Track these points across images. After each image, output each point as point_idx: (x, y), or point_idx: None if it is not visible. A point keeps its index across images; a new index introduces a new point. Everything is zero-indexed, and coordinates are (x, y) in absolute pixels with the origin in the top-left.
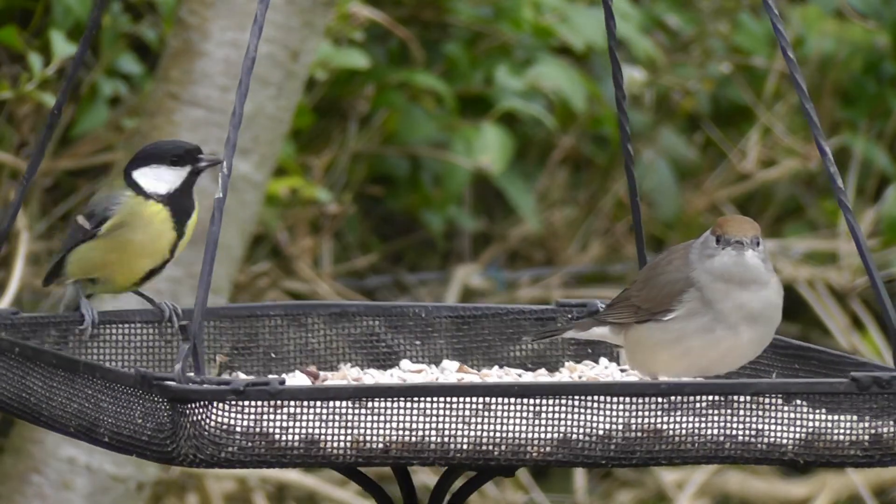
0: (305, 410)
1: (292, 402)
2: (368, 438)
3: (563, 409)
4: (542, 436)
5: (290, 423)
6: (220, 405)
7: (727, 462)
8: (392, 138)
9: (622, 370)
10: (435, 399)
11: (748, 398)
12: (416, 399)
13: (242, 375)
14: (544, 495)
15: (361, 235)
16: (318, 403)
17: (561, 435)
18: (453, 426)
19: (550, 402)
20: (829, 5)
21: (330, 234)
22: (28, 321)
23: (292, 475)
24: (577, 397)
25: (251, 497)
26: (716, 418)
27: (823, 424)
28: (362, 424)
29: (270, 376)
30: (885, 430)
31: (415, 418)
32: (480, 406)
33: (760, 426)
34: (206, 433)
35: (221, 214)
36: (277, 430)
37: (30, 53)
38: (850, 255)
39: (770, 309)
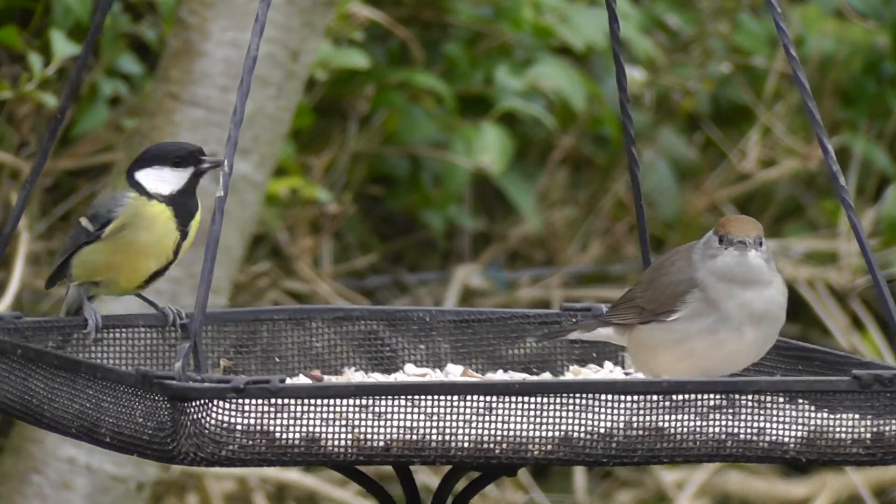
0: (306, 409)
1: (293, 403)
2: (369, 437)
3: (565, 407)
4: (544, 434)
5: (291, 422)
6: (221, 403)
7: (729, 460)
8: (392, 138)
9: (626, 374)
10: (436, 397)
11: (751, 400)
12: (416, 397)
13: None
14: (544, 495)
15: (361, 235)
16: (319, 402)
17: (562, 433)
18: (454, 424)
19: (551, 400)
20: (829, 5)
21: (330, 234)
22: (31, 325)
23: (292, 475)
24: (578, 395)
25: (251, 497)
26: (718, 417)
27: (825, 423)
28: (363, 423)
29: (271, 375)
30: (888, 428)
31: (416, 416)
32: (481, 404)
33: (762, 424)
34: (206, 431)
35: (223, 213)
36: (278, 429)
37: (30, 53)
38: (850, 255)
39: (774, 308)
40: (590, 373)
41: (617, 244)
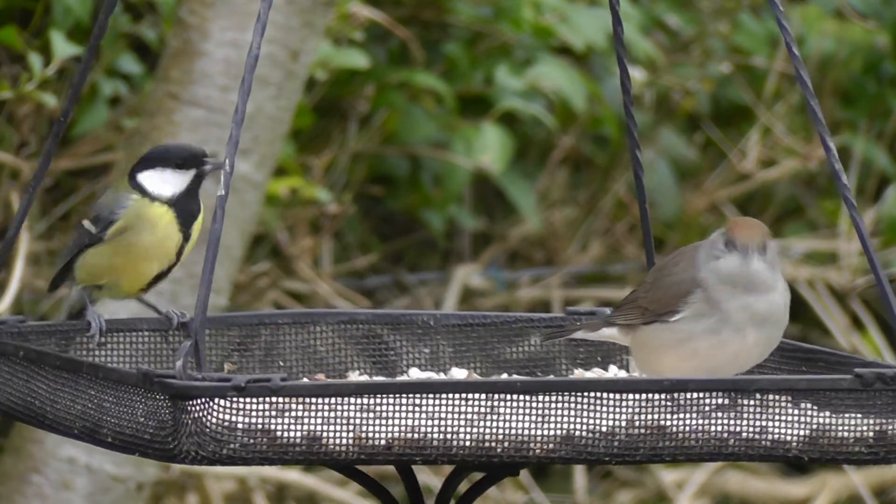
0: (307, 408)
1: (295, 402)
2: (371, 435)
3: (567, 405)
4: (546, 432)
5: (293, 420)
6: (222, 402)
7: (731, 459)
8: (392, 138)
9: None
10: (437, 395)
11: (755, 402)
12: (418, 395)
13: None
14: (544, 495)
15: (361, 235)
16: (321, 401)
17: (564, 432)
18: (456, 423)
19: (553, 398)
20: (829, 5)
21: (330, 234)
22: (35, 329)
23: (292, 475)
24: (579, 394)
25: (251, 497)
26: (720, 415)
27: (828, 421)
28: (364, 421)
29: (272, 373)
30: (890, 426)
31: (417, 415)
32: (483, 403)
33: (765, 423)
34: (207, 430)
35: (224, 212)
36: (279, 427)
37: (30, 53)
38: (850, 255)
39: (776, 312)
40: (594, 377)
41: (617, 244)
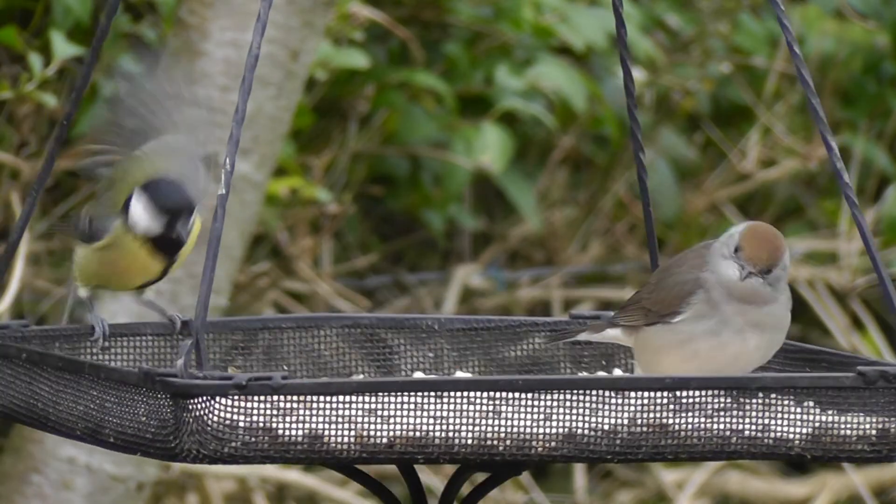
0: (309, 406)
1: (296, 401)
2: (372, 433)
3: (569, 403)
4: (548, 431)
5: (294, 419)
6: (223, 400)
7: (734, 457)
8: (392, 138)
9: None
10: (439, 393)
11: (758, 401)
12: (419, 394)
13: None
14: (544, 495)
15: (361, 235)
16: (322, 399)
17: (566, 430)
18: (458, 421)
19: (555, 396)
20: (829, 5)
21: (330, 234)
22: (38, 333)
23: (292, 475)
24: (581, 392)
25: (251, 497)
26: (723, 413)
27: (830, 419)
28: (366, 419)
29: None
30: (893, 424)
31: (418, 413)
32: (485, 400)
33: (767, 421)
34: (208, 428)
35: (224, 211)
36: (281, 426)
37: (30, 53)
38: (850, 255)
39: (775, 320)
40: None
41: (617, 244)
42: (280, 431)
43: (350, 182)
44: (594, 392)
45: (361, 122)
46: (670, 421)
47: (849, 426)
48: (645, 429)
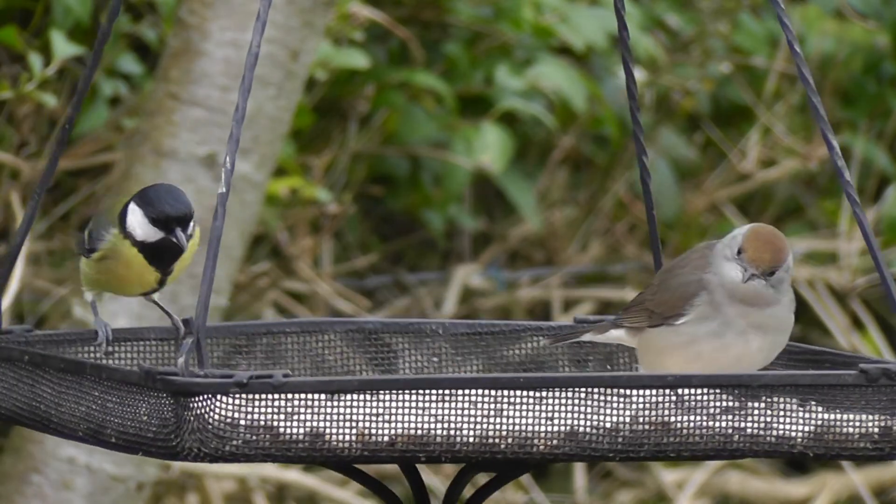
0: (310, 404)
1: (297, 397)
2: (374, 431)
3: (570, 401)
4: (549, 429)
5: (295, 417)
6: (224, 398)
7: (736, 455)
8: (392, 138)
9: None
10: (440, 391)
11: (762, 403)
12: (421, 391)
13: None
14: (544, 495)
15: (361, 235)
16: (324, 397)
17: (568, 428)
18: (459, 419)
19: (557, 394)
20: (829, 5)
21: (330, 234)
22: (42, 338)
23: (292, 474)
24: (583, 390)
25: (251, 497)
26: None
27: (833, 417)
28: (367, 417)
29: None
30: (895, 422)
31: (420, 411)
32: (487, 398)
33: (770, 419)
34: (210, 427)
35: (224, 210)
36: (282, 424)
37: (30, 53)
38: (850, 255)
39: (777, 322)
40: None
41: (617, 244)
42: (281, 429)
43: (350, 182)
44: (596, 390)
45: (361, 122)
46: (672, 419)
47: (851, 424)
48: (647, 427)
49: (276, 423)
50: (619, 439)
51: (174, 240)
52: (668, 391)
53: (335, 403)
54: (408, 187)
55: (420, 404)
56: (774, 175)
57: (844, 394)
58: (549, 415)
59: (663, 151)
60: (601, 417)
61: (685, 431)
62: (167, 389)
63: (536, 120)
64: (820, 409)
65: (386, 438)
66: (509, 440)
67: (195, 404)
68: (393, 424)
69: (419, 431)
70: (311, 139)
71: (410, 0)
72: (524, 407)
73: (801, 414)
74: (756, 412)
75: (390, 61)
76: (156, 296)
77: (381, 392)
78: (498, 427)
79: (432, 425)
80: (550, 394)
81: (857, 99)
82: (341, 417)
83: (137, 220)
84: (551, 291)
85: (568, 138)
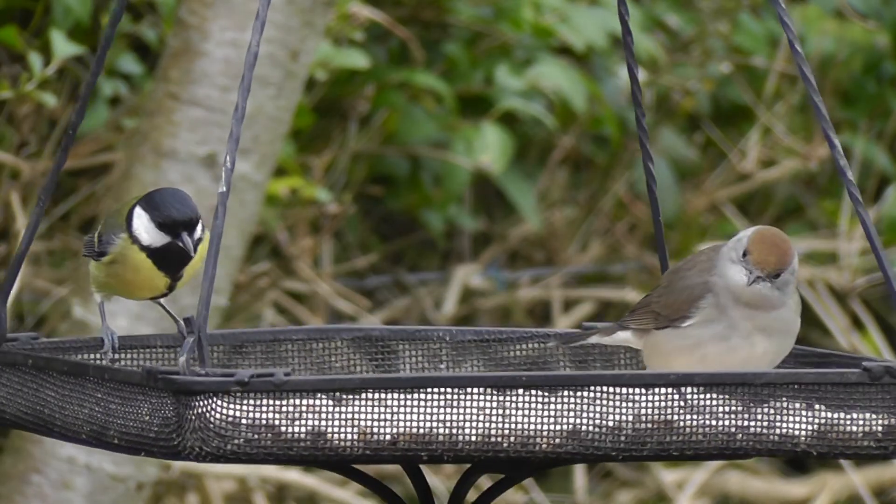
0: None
1: (298, 396)
2: (376, 430)
3: (573, 400)
4: (552, 427)
5: (297, 416)
6: (225, 397)
7: (739, 455)
8: (392, 138)
9: None
10: (442, 390)
11: (768, 408)
12: (423, 390)
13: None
14: (544, 495)
15: (361, 235)
16: (325, 396)
17: (570, 426)
18: (461, 418)
19: (559, 393)
20: (829, 5)
21: (330, 234)
22: (47, 346)
23: (293, 474)
24: (586, 388)
25: (251, 497)
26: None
27: (836, 415)
28: (369, 416)
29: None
30: None
31: (422, 409)
32: (489, 397)
33: (773, 417)
34: (211, 426)
35: (225, 209)
36: (284, 423)
37: (30, 53)
38: (850, 255)
39: (783, 324)
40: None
41: (617, 244)
42: (283, 429)
43: (350, 182)
44: (598, 388)
45: (361, 122)
46: (675, 417)
47: (855, 422)
48: (650, 426)
49: (277, 422)
50: (622, 438)
51: (181, 244)
52: (670, 390)
53: (337, 404)
54: (408, 187)
55: (422, 403)
56: (774, 175)
57: (848, 392)
58: (552, 413)
59: (663, 151)
60: (604, 416)
61: (688, 430)
62: (168, 388)
63: (536, 120)
64: (823, 407)
65: (388, 437)
66: (512, 439)
67: (196, 403)
68: (395, 423)
69: (421, 430)
70: (311, 139)
71: (410, 0)
72: (526, 405)
73: (804, 412)
74: (759, 411)
75: (390, 61)
76: (163, 299)
77: (383, 391)
78: (500, 426)
79: (434, 424)
80: (553, 392)
81: (857, 99)
82: (343, 416)
83: (143, 225)
84: (551, 291)
85: (568, 138)
